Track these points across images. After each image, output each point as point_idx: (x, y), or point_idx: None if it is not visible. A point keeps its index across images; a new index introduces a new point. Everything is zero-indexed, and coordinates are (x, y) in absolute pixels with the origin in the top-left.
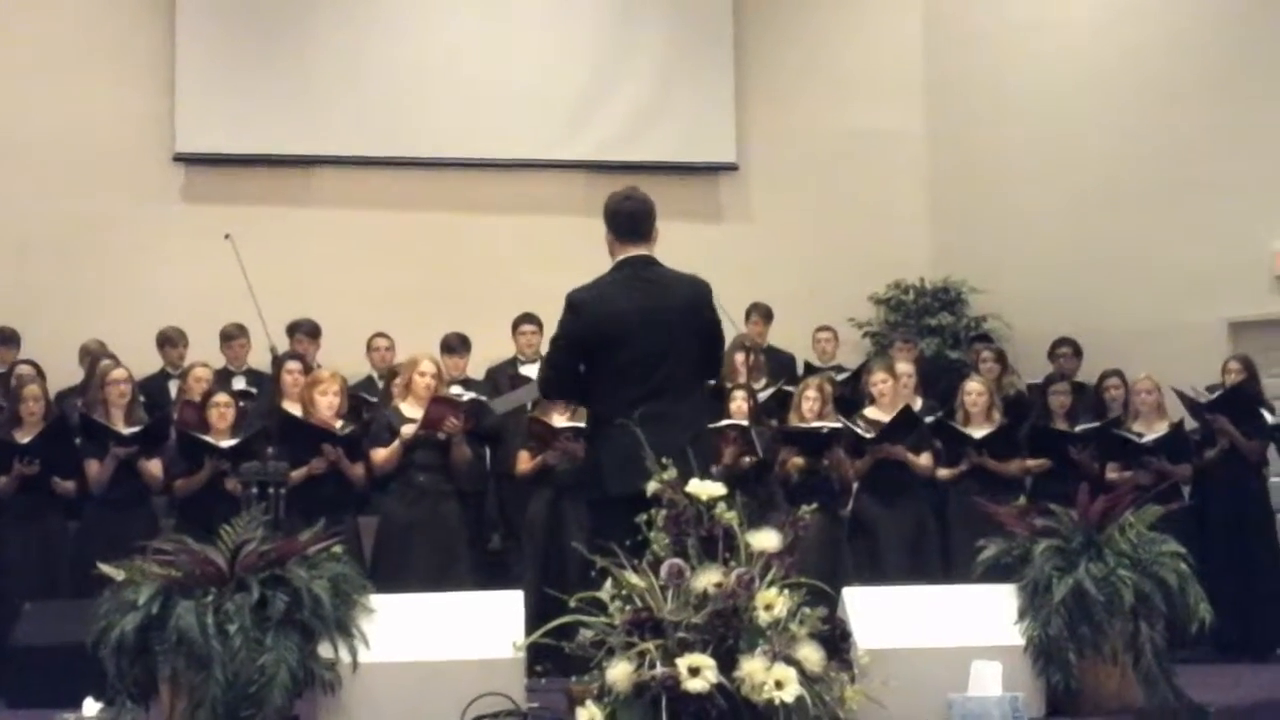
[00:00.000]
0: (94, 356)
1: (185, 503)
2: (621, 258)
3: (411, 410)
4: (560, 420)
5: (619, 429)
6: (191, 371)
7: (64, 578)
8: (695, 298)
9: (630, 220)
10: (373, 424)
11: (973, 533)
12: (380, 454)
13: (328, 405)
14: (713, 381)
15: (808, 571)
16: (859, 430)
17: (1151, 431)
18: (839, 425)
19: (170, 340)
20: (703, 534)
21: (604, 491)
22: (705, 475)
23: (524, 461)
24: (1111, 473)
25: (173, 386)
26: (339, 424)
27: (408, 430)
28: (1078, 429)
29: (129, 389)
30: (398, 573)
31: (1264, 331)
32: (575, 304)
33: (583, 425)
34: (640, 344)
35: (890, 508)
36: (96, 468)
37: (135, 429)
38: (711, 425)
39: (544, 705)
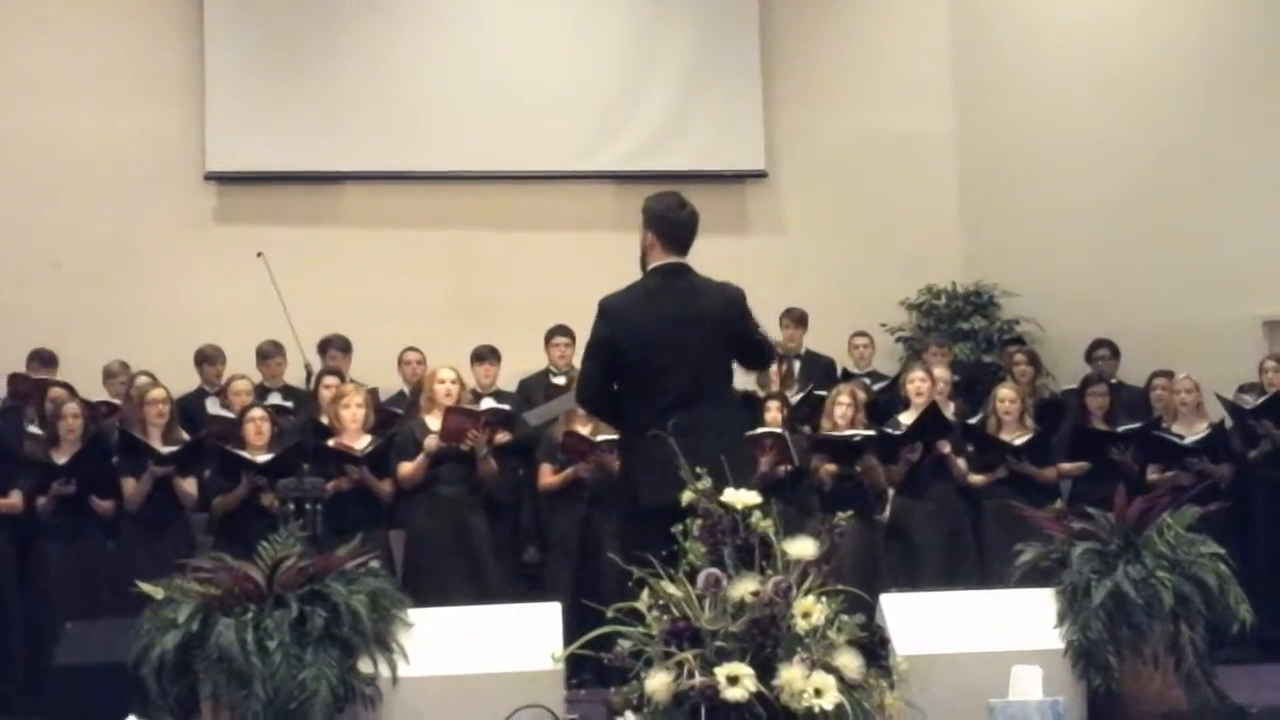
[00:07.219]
0: (119, 378)
1: (223, 520)
2: (657, 264)
3: (436, 422)
4: (594, 432)
5: (650, 439)
6: (231, 385)
7: (104, 597)
8: (726, 305)
9: (683, 230)
10: (396, 437)
11: (1009, 537)
12: (406, 468)
13: (352, 419)
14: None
15: (845, 578)
16: (891, 432)
17: (1192, 432)
18: (871, 432)
19: (209, 358)
20: (739, 543)
21: (636, 504)
22: (741, 484)
23: (547, 475)
24: (1152, 474)
25: (210, 404)
26: (365, 439)
27: (431, 443)
28: (1119, 430)
29: (167, 409)
30: (428, 586)
31: None
32: (605, 310)
33: (616, 438)
34: (669, 353)
35: (926, 513)
36: (133, 485)
37: (173, 448)
38: (747, 433)
39: (583, 716)
